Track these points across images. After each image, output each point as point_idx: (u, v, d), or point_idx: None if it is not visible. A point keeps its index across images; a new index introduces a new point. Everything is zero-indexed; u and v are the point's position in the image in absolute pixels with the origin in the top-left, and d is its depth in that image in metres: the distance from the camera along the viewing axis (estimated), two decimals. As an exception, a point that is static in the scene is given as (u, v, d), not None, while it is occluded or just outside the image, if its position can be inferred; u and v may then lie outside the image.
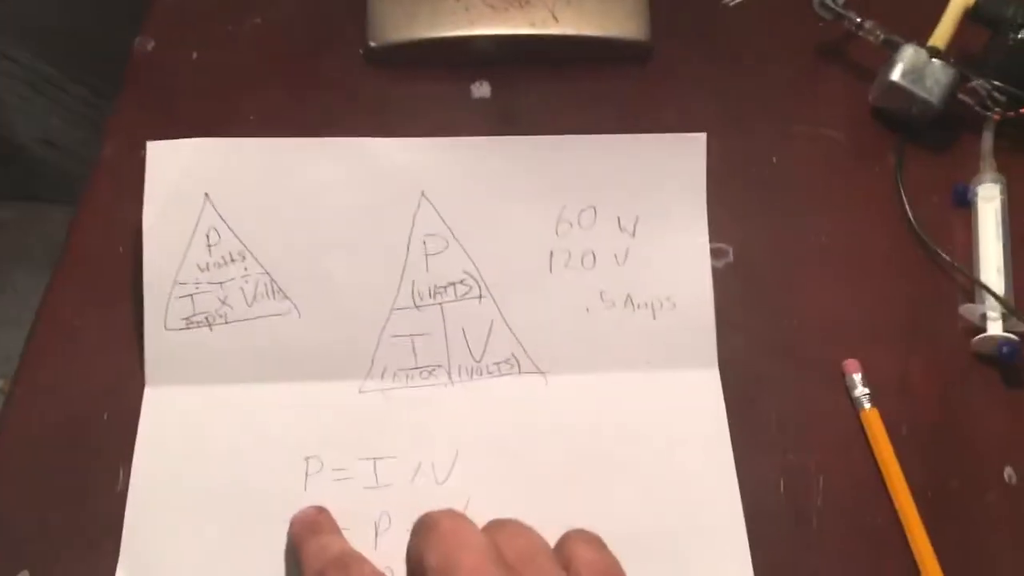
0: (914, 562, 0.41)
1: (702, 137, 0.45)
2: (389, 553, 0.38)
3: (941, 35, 0.52)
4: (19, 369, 0.45)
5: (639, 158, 0.45)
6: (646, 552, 0.38)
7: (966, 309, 0.47)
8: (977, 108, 0.52)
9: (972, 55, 0.53)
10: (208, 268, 0.44)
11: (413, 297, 0.45)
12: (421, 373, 0.45)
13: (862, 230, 0.50)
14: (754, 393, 0.45)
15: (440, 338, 0.45)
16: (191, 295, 0.44)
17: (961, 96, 0.52)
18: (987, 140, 0.52)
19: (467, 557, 0.34)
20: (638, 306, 0.45)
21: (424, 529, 0.36)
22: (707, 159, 0.45)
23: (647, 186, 0.45)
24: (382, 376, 0.44)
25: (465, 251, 0.45)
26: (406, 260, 0.45)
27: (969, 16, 0.52)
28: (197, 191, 0.44)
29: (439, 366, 0.45)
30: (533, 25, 0.53)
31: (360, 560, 0.36)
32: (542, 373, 0.45)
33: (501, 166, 0.45)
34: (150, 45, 0.54)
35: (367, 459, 0.42)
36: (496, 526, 0.37)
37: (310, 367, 0.44)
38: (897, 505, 0.42)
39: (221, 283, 0.44)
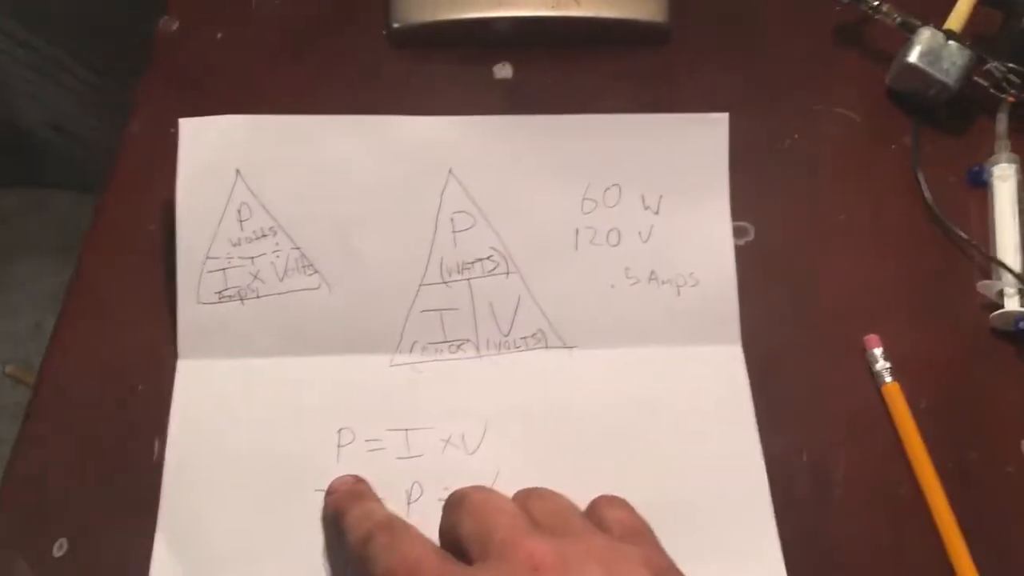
0: (936, 532, 0.42)
1: (724, 117, 0.46)
2: (420, 522, 0.38)
3: (957, 18, 0.53)
4: (51, 343, 0.45)
5: (663, 137, 0.46)
6: (672, 523, 0.39)
7: (983, 286, 0.48)
8: (992, 90, 0.52)
9: (986, 38, 0.54)
10: (240, 243, 0.45)
11: (441, 273, 0.45)
12: (450, 347, 0.45)
13: (880, 209, 0.51)
14: (776, 367, 0.46)
15: (468, 313, 0.45)
16: (223, 269, 0.44)
17: (976, 78, 0.52)
18: (1002, 121, 0.52)
19: (501, 521, 0.35)
20: (662, 282, 0.46)
21: (455, 503, 0.37)
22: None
23: (671, 165, 0.46)
24: (411, 350, 0.45)
25: (492, 228, 0.46)
26: (434, 236, 0.45)
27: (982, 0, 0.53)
28: (229, 167, 0.45)
29: (467, 340, 0.45)
30: (555, 7, 0.54)
31: (405, 524, 0.37)
32: (568, 347, 0.46)
33: (527, 144, 0.46)
34: (175, 25, 0.55)
35: (399, 430, 0.43)
36: (525, 493, 0.38)
37: (341, 341, 0.45)
38: (919, 477, 0.43)
39: (252, 258, 0.45)
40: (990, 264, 0.49)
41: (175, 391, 0.43)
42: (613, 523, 0.37)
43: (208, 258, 0.44)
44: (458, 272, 0.45)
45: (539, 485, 0.39)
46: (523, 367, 0.45)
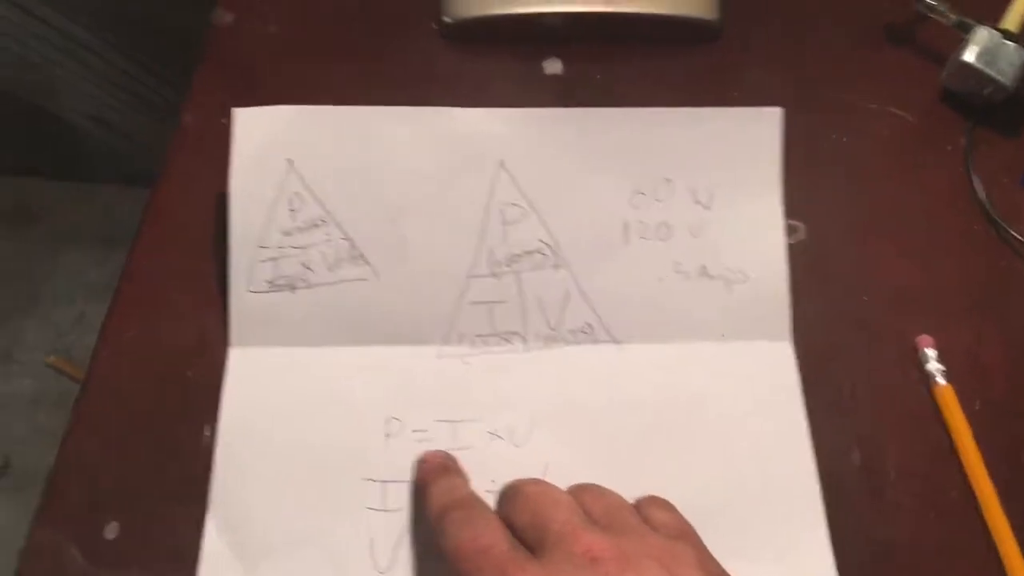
0: (988, 536, 0.41)
1: (778, 111, 0.46)
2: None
3: (1013, 18, 0.52)
4: (103, 330, 0.46)
5: (715, 131, 0.46)
6: (720, 520, 0.39)
7: (1038, 288, 0.47)
8: (1049, 91, 0.52)
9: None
10: (291, 233, 0.45)
11: (490, 265, 0.45)
12: (498, 340, 0.45)
13: (933, 209, 0.50)
14: (827, 366, 0.45)
15: (516, 306, 0.45)
16: (274, 259, 0.45)
17: (1032, 80, 0.52)
18: (1057, 123, 0.52)
19: (557, 513, 0.35)
20: (712, 278, 0.46)
21: (511, 494, 0.37)
22: (781, 135, 0.46)
23: (723, 159, 0.46)
24: (460, 342, 0.45)
25: (542, 221, 0.46)
26: (484, 228, 0.45)
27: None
28: (281, 157, 0.45)
29: (515, 333, 0.45)
30: (606, 3, 0.54)
31: (484, 504, 0.37)
32: (617, 342, 0.46)
33: (578, 138, 0.46)
34: (229, 18, 0.55)
35: (446, 421, 0.43)
36: (579, 488, 0.38)
37: (390, 331, 0.45)
38: (972, 480, 0.42)
39: (303, 248, 0.45)
40: (1045, 266, 0.48)
41: (226, 379, 0.44)
42: (660, 525, 0.37)
43: (260, 247, 0.45)
44: (507, 265, 0.45)
45: (587, 480, 0.39)
46: (571, 361, 0.45)
